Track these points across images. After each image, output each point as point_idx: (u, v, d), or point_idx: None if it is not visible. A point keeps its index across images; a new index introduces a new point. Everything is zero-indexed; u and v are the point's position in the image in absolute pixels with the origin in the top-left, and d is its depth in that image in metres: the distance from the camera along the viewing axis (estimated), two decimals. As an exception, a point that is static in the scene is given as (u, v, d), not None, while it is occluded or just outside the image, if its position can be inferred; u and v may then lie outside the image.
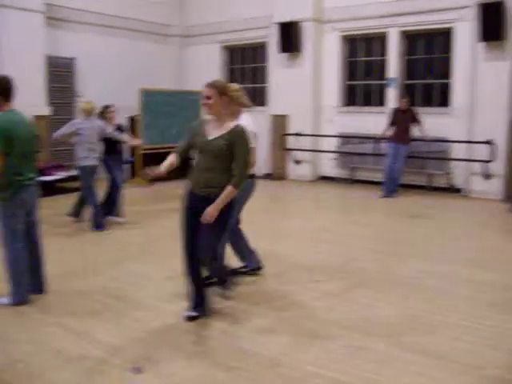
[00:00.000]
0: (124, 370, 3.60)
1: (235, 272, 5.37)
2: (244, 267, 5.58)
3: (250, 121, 5.04)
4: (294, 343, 4.03)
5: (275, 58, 12.61)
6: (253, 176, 5.11)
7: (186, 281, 4.48)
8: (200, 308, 4.45)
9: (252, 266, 5.57)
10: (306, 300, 4.93)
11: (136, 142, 8.07)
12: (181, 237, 4.43)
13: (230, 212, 4.38)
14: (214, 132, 4.25)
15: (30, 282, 4.86)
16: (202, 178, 4.28)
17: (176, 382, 3.47)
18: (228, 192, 4.17)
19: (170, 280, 5.47)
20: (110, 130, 7.70)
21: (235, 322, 4.40)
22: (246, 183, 4.57)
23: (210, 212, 4.15)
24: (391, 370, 3.63)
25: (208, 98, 4.22)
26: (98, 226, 7.56)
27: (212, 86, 4.23)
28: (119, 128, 8.05)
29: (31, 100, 10.23)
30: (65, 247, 6.75)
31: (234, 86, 5.05)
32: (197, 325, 4.35)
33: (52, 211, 8.15)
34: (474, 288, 5.29)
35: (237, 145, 4.16)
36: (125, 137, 7.96)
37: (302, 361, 3.74)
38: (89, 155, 7.44)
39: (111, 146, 7.91)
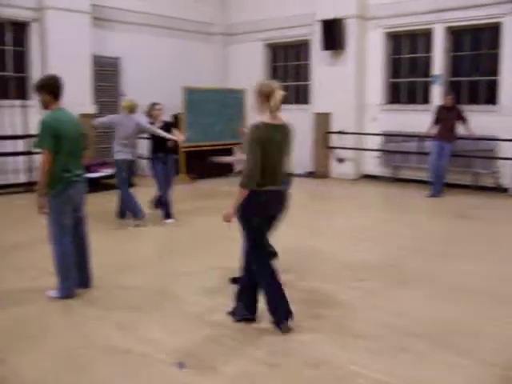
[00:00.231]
0: (169, 365, 3.64)
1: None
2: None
3: None
4: (337, 342, 4.00)
5: (318, 56, 12.54)
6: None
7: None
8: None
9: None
10: (349, 299, 4.89)
11: (178, 137, 8.11)
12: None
13: (249, 220, 4.19)
14: None
15: (76, 276, 4.97)
16: None
17: (218, 377, 3.49)
18: (237, 192, 4.08)
19: (212, 276, 5.51)
20: (147, 125, 7.85)
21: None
22: None
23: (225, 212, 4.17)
24: (434, 371, 3.57)
25: None
26: (133, 214, 7.85)
27: None
28: (166, 125, 8.08)
29: (78, 99, 10.42)
30: (110, 243, 6.87)
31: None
32: (238, 322, 4.36)
33: (97, 207, 8.29)
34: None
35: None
36: (164, 133, 7.96)
37: (344, 360, 3.71)
38: (122, 150, 7.70)
39: (157, 144, 7.97)
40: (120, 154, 7.72)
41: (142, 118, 7.98)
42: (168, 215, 8.04)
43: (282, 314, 4.16)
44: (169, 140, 7.92)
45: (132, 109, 7.80)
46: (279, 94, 4.02)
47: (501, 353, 3.83)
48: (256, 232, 4.21)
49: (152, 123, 7.97)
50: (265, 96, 4.03)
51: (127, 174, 7.83)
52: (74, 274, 4.93)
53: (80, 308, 4.68)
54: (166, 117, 11.20)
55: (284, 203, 4.24)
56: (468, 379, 3.47)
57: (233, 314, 4.40)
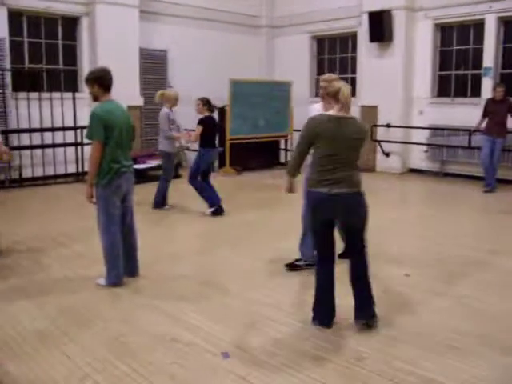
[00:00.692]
0: (214, 355, 3.68)
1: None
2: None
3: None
4: (384, 338, 3.98)
5: (365, 48, 12.39)
6: None
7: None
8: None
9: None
10: (397, 293, 4.84)
11: (182, 136, 8.39)
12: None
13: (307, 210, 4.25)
14: None
15: (124, 265, 5.07)
16: None
17: (264, 369, 3.51)
18: None
19: (259, 269, 5.55)
20: (172, 117, 8.20)
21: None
22: None
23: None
24: (486, 370, 3.50)
25: None
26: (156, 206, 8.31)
27: None
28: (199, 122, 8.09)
29: (126, 91, 10.56)
30: (157, 233, 6.97)
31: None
32: (283, 315, 4.38)
33: (144, 198, 8.42)
34: None
35: None
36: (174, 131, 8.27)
37: (393, 356, 3.68)
38: (160, 140, 8.28)
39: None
40: (159, 144, 8.42)
41: (162, 114, 8.21)
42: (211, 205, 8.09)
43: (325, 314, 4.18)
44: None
45: (163, 98, 8.32)
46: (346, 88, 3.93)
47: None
48: (315, 234, 4.18)
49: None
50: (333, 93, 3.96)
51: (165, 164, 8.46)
52: (122, 262, 5.03)
53: (128, 296, 4.78)
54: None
55: (346, 208, 4.00)
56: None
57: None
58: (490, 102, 9.91)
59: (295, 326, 4.18)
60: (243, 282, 5.17)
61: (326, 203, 3.96)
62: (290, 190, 4.36)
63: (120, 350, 3.76)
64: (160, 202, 8.31)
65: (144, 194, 8.53)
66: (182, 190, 8.97)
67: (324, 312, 4.17)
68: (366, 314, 4.11)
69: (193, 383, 3.36)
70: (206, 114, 7.92)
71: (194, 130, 8.04)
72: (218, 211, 7.91)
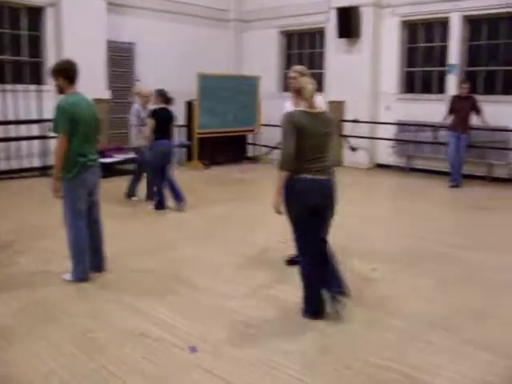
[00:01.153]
0: (182, 349, 3.67)
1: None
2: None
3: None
4: (350, 331, 4.02)
5: (333, 44, 12.47)
6: None
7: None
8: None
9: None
10: (362, 288, 4.89)
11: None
12: None
13: (292, 206, 4.14)
14: None
15: (90, 260, 5.01)
16: None
17: (231, 362, 3.52)
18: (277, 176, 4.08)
19: (226, 262, 5.55)
20: (142, 115, 8.15)
21: (290, 309, 4.43)
22: None
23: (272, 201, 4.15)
24: (446, 360, 3.58)
25: None
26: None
27: None
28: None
29: (92, 84, 10.40)
30: (123, 227, 6.91)
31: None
32: (253, 309, 4.39)
33: (111, 192, 8.33)
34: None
35: None
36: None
37: (358, 348, 3.73)
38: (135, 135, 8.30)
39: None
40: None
41: (131, 108, 8.36)
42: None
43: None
44: None
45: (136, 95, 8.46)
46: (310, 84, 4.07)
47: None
48: (298, 224, 4.17)
49: None
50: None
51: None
52: (88, 257, 4.97)
53: (95, 291, 4.73)
54: (179, 103, 11.29)
55: (327, 192, 4.15)
56: (487, 372, 3.47)
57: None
58: (456, 99, 10.08)
59: (263, 319, 4.20)
60: (211, 276, 5.16)
61: (313, 186, 4.05)
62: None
63: (88, 345, 3.72)
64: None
65: (111, 188, 8.44)
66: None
67: (316, 304, 4.21)
68: (343, 285, 4.22)
69: (162, 378, 3.34)
70: (161, 105, 7.85)
71: None
72: (158, 207, 7.86)
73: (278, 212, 4.12)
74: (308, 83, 4.07)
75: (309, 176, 4.02)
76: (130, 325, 4.04)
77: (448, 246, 6.24)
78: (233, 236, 6.59)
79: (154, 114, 7.74)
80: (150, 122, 7.67)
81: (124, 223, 7.16)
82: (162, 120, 7.79)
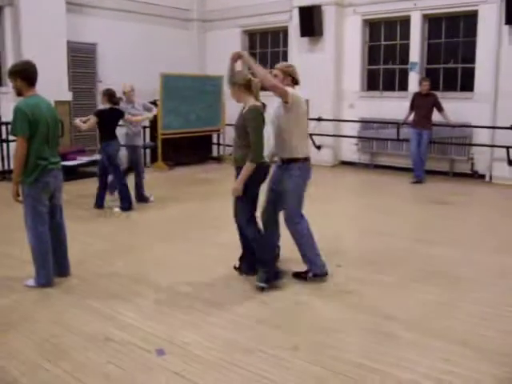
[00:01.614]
0: (148, 352, 3.64)
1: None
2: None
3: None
4: (316, 328, 4.04)
5: (296, 43, 12.52)
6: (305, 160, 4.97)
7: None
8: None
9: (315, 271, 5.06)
10: (328, 285, 4.92)
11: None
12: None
13: (252, 188, 4.77)
14: None
15: (54, 264, 4.93)
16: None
17: (199, 363, 3.50)
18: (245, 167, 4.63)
19: (191, 263, 5.53)
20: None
21: (263, 302, 4.43)
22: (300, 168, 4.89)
23: (233, 187, 4.73)
24: (410, 354, 3.62)
25: None
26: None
27: None
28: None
29: (53, 85, 10.25)
30: (88, 231, 6.81)
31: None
32: (217, 309, 4.38)
33: (74, 195, 8.22)
34: (499, 275, 5.24)
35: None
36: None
37: (325, 345, 3.75)
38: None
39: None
40: None
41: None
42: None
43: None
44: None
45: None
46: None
47: (483, 336, 3.90)
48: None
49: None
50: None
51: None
52: (52, 262, 4.88)
53: (59, 296, 4.65)
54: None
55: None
56: (448, 363, 3.52)
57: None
58: (417, 96, 10.24)
59: (229, 319, 4.19)
60: (176, 277, 5.12)
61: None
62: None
63: (51, 351, 3.66)
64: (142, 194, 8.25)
65: (74, 191, 8.33)
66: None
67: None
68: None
69: (128, 382, 3.31)
70: (107, 105, 7.78)
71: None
72: (124, 209, 7.82)
73: (238, 195, 4.72)
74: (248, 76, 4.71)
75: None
76: (94, 329, 3.99)
77: (410, 242, 6.34)
78: (197, 237, 6.56)
79: (99, 114, 7.69)
80: (92, 120, 7.65)
81: (89, 226, 7.05)
82: (107, 121, 7.71)
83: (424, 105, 10.08)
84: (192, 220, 7.43)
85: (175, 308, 4.40)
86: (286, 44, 13.32)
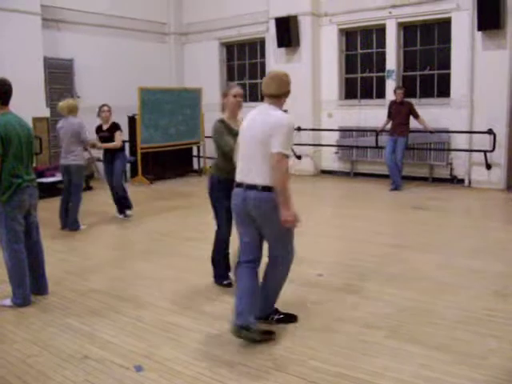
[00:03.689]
0: (126, 369, 3.59)
1: None
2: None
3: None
4: (298, 339, 4.02)
5: (273, 53, 12.59)
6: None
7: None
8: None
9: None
10: (308, 294, 4.92)
11: (98, 145, 8.03)
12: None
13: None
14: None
15: (31, 283, 4.86)
16: None
17: (178, 378, 3.47)
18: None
19: (171, 279, 5.48)
20: (82, 131, 7.56)
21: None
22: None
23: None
24: (392, 362, 3.62)
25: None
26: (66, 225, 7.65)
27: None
28: (113, 127, 8.04)
29: (30, 102, 10.21)
30: (65, 248, 6.74)
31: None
32: (197, 324, 4.35)
33: (52, 212, 8.12)
34: (476, 279, 5.27)
35: None
36: (95, 143, 8.01)
37: (306, 356, 3.74)
38: (63, 155, 7.62)
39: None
40: (62, 159, 7.68)
41: (78, 123, 7.58)
42: (120, 211, 8.21)
43: None
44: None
45: (69, 110, 7.60)
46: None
47: (460, 340, 3.91)
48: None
49: (100, 125, 8.13)
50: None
51: (66, 179, 7.68)
52: (29, 281, 4.82)
53: (36, 315, 4.58)
54: (123, 118, 11.16)
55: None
56: (427, 368, 3.52)
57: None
58: (392, 104, 10.33)
59: (210, 334, 4.16)
60: (156, 293, 5.08)
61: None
62: None
63: (27, 372, 3.59)
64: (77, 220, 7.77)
65: (52, 208, 8.23)
66: (96, 202, 8.77)
67: None
68: None
69: (105, 400, 3.27)
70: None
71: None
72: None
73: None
74: None
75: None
76: (72, 348, 3.93)
77: (387, 248, 6.36)
78: (177, 251, 6.52)
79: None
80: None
81: (67, 243, 6.98)
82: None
83: (399, 112, 10.18)
84: (172, 234, 7.38)
85: (155, 324, 4.36)
86: (263, 55, 13.37)
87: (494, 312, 4.41)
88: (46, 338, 4.13)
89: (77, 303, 4.87)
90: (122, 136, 8.14)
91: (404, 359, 3.65)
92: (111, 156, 8.13)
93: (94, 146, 7.96)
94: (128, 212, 8.20)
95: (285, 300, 4.76)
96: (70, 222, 7.57)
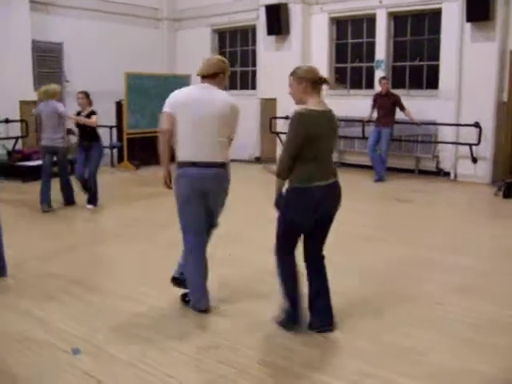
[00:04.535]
0: (64, 352, 3.61)
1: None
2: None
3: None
4: (237, 326, 4.02)
5: (263, 41, 12.51)
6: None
7: None
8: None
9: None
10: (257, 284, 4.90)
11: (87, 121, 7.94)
12: None
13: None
14: None
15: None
16: None
17: (110, 362, 3.49)
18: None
19: (132, 264, 5.48)
20: (61, 109, 7.70)
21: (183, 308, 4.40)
22: None
23: None
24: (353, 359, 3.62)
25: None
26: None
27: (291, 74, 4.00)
28: (91, 113, 7.99)
29: (18, 85, 10.20)
30: (30, 231, 6.76)
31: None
32: (144, 309, 4.36)
33: (34, 194, 8.12)
34: (448, 272, 5.23)
35: None
36: (79, 118, 7.97)
37: (243, 345, 3.74)
38: (48, 137, 7.72)
39: (80, 132, 8.08)
40: (42, 140, 7.82)
41: (59, 105, 7.78)
42: (90, 201, 8.00)
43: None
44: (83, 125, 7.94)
45: (49, 94, 7.70)
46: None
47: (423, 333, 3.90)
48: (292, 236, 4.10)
49: (79, 112, 8.05)
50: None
51: (48, 160, 7.81)
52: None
53: (-10, 297, 4.61)
54: (110, 103, 11.16)
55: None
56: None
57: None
58: (377, 95, 10.27)
59: (152, 319, 4.18)
60: (113, 278, 5.10)
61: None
62: None
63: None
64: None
65: (35, 191, 8.19)
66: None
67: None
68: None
69: (35, 381, 3.27)
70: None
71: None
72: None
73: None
74: None
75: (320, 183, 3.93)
76: (16, 329, 3.95)
77: (360, 240, 6.31)
78: (144, 237, 6.50)
79: None
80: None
81: (32, 227, 7.00)
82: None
83: (384, 103, 10.12)
84: (145, 220, 7.37)
85: (102, 308, 4.37)
86: (254, 42, 13.29)
87: (442, 306, 4.38)
88: (-3, 319, 4.15)
89: (34, 286, 4.88)
90: (97, 119, 8.00)
91: (359, 354, 3.63)
92: (88, 144, 8.02)
93: (70, 131, 7.97)
94: (89, 206, 7.92)
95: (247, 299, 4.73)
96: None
